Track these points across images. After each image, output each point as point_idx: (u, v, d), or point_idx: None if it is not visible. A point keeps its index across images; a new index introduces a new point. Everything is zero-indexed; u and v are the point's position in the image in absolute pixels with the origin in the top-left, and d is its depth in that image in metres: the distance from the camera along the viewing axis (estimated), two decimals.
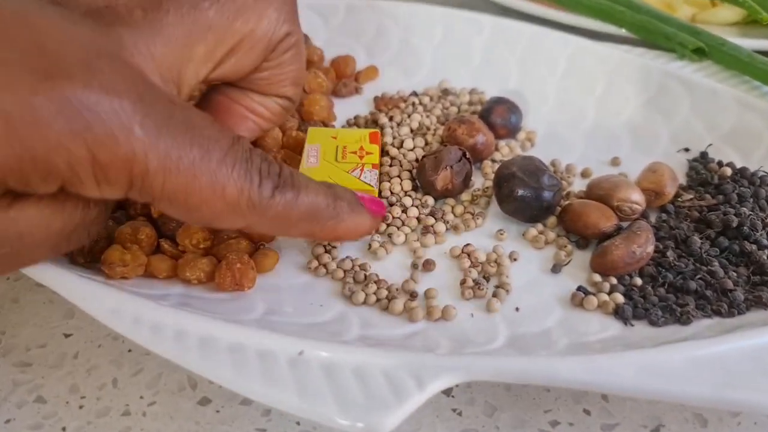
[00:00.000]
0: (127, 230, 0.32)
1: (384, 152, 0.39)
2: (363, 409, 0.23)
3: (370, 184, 0.35)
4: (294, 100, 0.33)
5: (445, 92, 0.45)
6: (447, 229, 0.35)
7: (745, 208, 0.35)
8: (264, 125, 0.33)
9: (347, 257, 0.33)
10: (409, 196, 0.37)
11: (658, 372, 0.25)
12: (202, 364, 0.25)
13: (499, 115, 0.41)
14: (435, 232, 0.34)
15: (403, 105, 0.43)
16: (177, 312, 0.27)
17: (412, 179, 0.37)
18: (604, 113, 0.43)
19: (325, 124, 0.42)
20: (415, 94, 0.45)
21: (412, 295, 0.31)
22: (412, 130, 0.41)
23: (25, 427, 0.29)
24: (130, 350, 0.32)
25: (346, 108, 0.44)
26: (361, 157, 0.37)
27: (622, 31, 0.48)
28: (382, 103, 0.44)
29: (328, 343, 0.26)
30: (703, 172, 0.38)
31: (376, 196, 0.35)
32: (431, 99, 0.44)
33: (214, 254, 0.32)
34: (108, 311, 0.27)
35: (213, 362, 0.25)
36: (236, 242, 0.33)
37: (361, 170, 0.36)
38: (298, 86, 0.33)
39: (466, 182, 0.37)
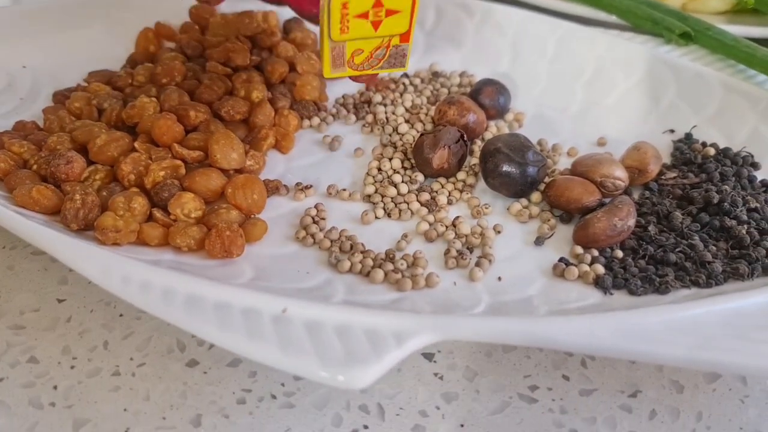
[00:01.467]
0: (120, 199, 0.33)
1: (380, 130, 0.39)
2: (343, 363, 0.24)
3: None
4: None
5: (436, 75, 0.45)
6: (440, 205, 0.36)
7: (726, 186, 0.35)
8: None
9: (333, 227, 0.34)
10: (398, 173, 0.37)
11: (635, 334, 0.26)
12: (189, 320, 0.26)
13: (488, 96, 0.42)
14: (437, 206, 0.36)
15: (393, 86, 0.44)
16: (165, 271, 0.28)
17: (404, 159, 0.38)
18: (593, 96, 0.43)
19: (317, 105, 0.42)
20: (406, 75, 0.45)
21: (395, 267, 0.32)
22: (406, 110, 0.42)
23: (18, 386, 0.29)
24: (121, 315, 0.32)
25: (338, 89, 0.45)
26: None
27: (612, 17, 0.49)
28: (376, 84, 0.45)
29: (311, 302, 0.27)
30: (687, 152, 0.39)
31: None
32: (422, 81, 0.45)
33: (204, 223, 0.33)
34: (98, 271, 0.27)
35: (199, 319, 0.26)
36: (226, 212, 0.33)
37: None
38: None
39: (461, 163, 0.37)
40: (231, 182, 0.34)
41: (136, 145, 0.36)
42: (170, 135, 0.36)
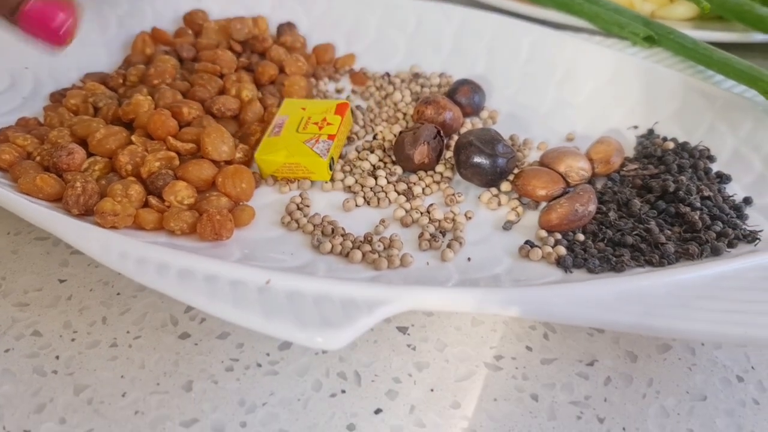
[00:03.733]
0: (118, 186, 0.35)
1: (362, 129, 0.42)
2: (320, 327, 0.27)
3: (319, 155, 0.38)
4: None
5: (416, 76, 0.48)
6: (415, 194, 0.38)
7: (683, 177, 0.38)
8: None
9: (316, 214, 0.37)
10: (379, 167, 0.40)
11: (590, 303, 0.29)
12: (181, 290, 0.28)
13: (464, 95, 0.44)
14: (414, 195, 0.38)
15: (371, 82, 0.47)
16: (159, 248, 0.30)
17: (383, 155, 0.41)
18: (563, 95, 0.46)
19: None
20: (387, 75, 0.48)
21: (373, 249, 0.34)
22: (394, 103, 0.45)
23: (23, 356, 0.32)
24: (119, 293, 0.35)
25: (324, 89, 0.48)
26: (320, 128, 0.39)
27: (581, 23, 0.51)
28: (355, 77, 0.47)
29: (293, 274, 0.29)
30: (648, 146, 0.41)
31: (327, 168, 0.38)
32: (402, 81, 0.48)
33: (197, 209, 0.36)
34: (98, 247, 0.30)
35: (190, 289, 0.28)
36: (217, 199, 0.36)
37: (316, 140, 0.38)
38: None
39: (439, 157, 0.40)
40: (221, 172, 0.37)
41: (132, 138, 0.38)
42: (165, 129, 0.39)
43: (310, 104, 0.41)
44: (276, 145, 0.38)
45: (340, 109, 0.40)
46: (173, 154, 0.37)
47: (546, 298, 0.29)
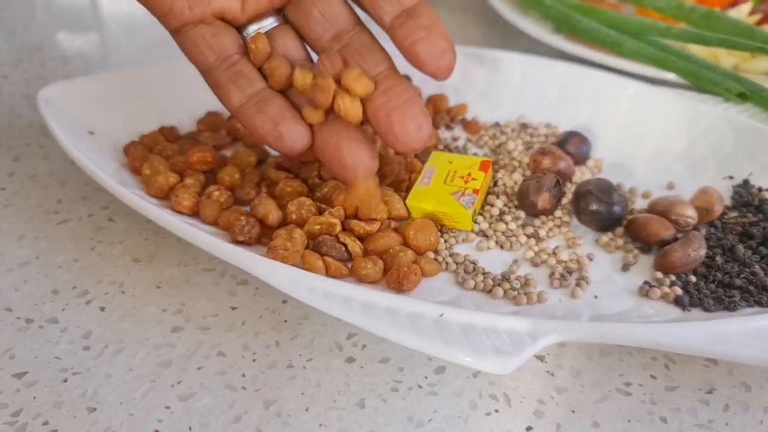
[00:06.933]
0: (283, 232, 0.39)
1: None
2: (494, 354, 0.31)
3: (464, 207, 0.42)
4: None
5: (524, 126, 0.53)
6: (541, 237, 0.43)
7: None
8: None
9: (456, 252, 0.42)
10: (504, 212, 0.45)
11: (717, 338, 0.33)
12: (366, 321, 0.33)
13: (573, 146, 0.49)
14: (539, 238, 0.43)
15: (483, 131, 0.52)
16: (342, 283, 0.35)
17: (507, 201, 0.46)
18: (661, 146, 0.50)
19: (427, 150, 0.50)
20: (497, 124, 0.53)
21: (512, 286, 0.39)
22: (508, 151, 0.50)
23: (214, 373, 0.37)
24: (286, 320, 0.40)
25: (445, 134, 0.54)
26: (466, 182, 0.44)
27: (674, 77, 0.56)
28: (468, 126, 0.53)
29: (463, 309, 0.34)
30: (745, 196, 0.46)
31: (470, 219, 0.43)
32: (512, 130, 0.53)
33: (382, 259, 0.40)
34: (287, 282, 0.35)
35: (374, 320, 0.33)
36: (404, 254, 0.40)
37: (462, 194, 0.43)
38: None
39: (558, 203, 0.45)
40: (411, 225, 0.41)
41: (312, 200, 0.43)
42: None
43: (456, 158, 0.46)
44: (426, 194, 0.43)
45: (483, 166, 0.45)
46: (335, 221, 0.41)
47: (682, 333, 0.33)
